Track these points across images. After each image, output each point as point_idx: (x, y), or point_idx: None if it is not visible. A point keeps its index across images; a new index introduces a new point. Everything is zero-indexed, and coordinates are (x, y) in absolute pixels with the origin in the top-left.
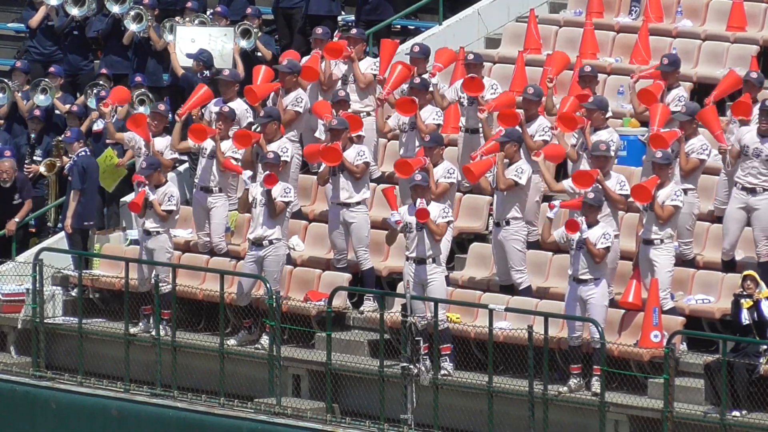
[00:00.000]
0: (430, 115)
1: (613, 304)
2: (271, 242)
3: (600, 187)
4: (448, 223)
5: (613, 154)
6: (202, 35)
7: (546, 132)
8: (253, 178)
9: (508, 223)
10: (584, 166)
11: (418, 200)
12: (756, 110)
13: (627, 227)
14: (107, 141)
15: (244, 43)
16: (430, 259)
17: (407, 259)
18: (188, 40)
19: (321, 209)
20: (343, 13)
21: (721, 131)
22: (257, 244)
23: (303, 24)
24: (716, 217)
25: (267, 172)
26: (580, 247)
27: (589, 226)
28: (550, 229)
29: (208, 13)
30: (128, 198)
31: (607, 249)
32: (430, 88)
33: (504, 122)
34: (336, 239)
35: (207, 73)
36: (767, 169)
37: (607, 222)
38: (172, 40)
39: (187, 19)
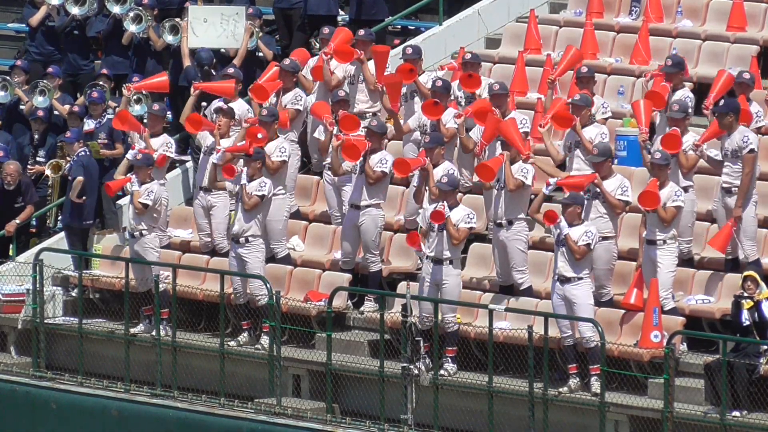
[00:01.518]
0: (450, 118)
1: (613, 304)
2: (247, 240)
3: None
4: (470, 229)
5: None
6: (214, 15)
7: (524, 124)
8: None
9: (511, 223)
10: (577, 163)
11: (439, 203)
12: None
13: (628, 227)
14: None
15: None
16: (447, 261)
17: (426, 258)
18: (201, 20)
19: (321, 209)
20: (342, 12)
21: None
22: (235, 240)
23: (302, 23)
24: (715, 218)
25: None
26: (563, 244)
27: (571, 224)
28: (540, 205)
29: None
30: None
31: (588, 246)
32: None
33: (480, 120)
34: (344, 241)
35: (207, 69)
36: (737, 165)
37: (601, 223)
38: (185, 19)
39: (166, 27)
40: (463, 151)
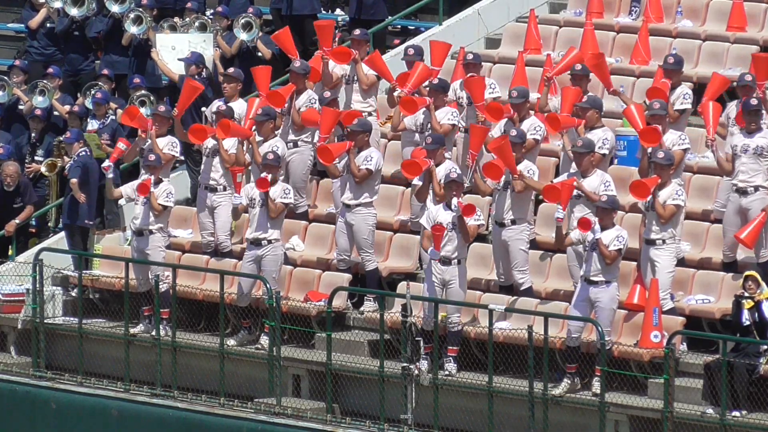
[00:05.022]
0: (445, 116)
1: None
2: (269, 242)
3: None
4: (479, 226)
5: (607, 152)
6: (181, 42)
7: (537, 131)
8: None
9: (514, 223)
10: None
11: (455, 198)
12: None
13: (628, 227)
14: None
15: (244, 36)
16: (456, 261)
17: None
18: (168, 48)
19: (321, 209)
20: (342, 13)
21: (712, 127)
22: (255, 243)
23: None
24: (716, 219)
25: (262, 174)
26: (594, 248)
27: (603, 228)
28: (563, 233)
29: (208, 13)
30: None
31: (619, 251)
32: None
33: (492, 116)
34: (339, 238)
35: (204, 74)
36: (756, 164)
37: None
38: (154, 48)
39: (165, 27)
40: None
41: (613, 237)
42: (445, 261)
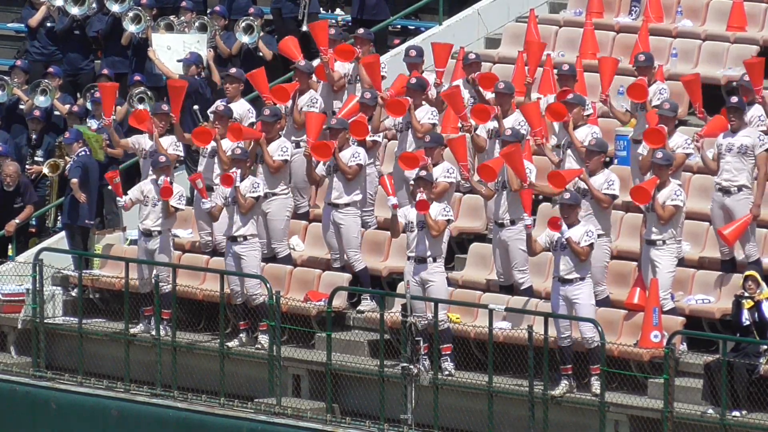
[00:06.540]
0: (425, 115)
1: (611, 303)
2: (245, 238)
3: (580, 186)
4: (448, 221)
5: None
6: (176, 42)
7: (522, 126)
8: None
9: (513, 223)
10: (570, 163)
11: (419, 193)
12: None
13: (628, 227)
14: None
15: (246, 39)
16: (431, 259)
17: (408, 258)
18: (164, 48)
19: (321, 210)
20: (341, 12)
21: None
22: (232, 240)
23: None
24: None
25: (232, 170)
26: (564, 247)
27: (570, 225)
28: (532, 240)
29: (207, 12)
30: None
31: (591, 246)
32: (431, 90)
33: (477, 118)
34: (329, 239)
35: (203, 74)
36: (740, 162)
37: (589, 220)
38: (151, 47)
39: (161, 25)
40: (476, 150)
41: (582, 233)
42: (420, 260)
